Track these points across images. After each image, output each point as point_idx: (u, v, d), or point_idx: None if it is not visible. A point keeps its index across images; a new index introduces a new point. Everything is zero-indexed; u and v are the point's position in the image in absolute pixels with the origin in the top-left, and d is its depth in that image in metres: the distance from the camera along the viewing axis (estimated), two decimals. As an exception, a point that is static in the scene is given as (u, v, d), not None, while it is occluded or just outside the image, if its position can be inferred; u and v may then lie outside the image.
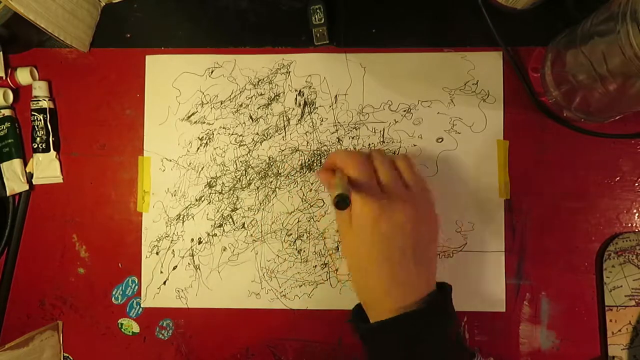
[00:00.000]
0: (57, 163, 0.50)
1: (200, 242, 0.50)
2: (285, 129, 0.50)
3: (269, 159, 0.50)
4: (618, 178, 0.48)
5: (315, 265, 0.49)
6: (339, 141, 0.49)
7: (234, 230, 0.50)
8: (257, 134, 0.50)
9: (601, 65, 0.38)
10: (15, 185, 0.50)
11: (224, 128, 0.50)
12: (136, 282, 0.50)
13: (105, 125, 0.51)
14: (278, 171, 0.50)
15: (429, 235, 0.41)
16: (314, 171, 0.50)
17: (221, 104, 0.50)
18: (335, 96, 0.50)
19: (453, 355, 0.39)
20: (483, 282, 0.48)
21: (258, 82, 0.50)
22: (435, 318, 0.38)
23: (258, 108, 0.50)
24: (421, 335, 0.38)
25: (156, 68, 0.50)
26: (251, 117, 0.50)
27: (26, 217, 0.51)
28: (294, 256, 0.49)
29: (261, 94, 0.50)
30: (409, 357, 0.38)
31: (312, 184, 0.50)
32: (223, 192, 0.50)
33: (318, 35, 0.48)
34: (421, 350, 0.37)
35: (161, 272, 0.50)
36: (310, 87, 0.50)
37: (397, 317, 0.37)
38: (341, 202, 0.35)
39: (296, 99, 0.50)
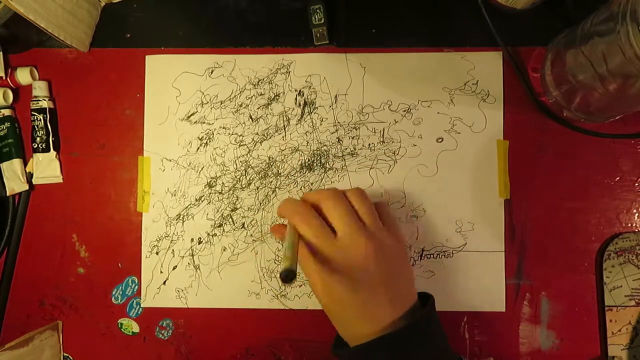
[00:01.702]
0: (57, 163, 0.50)
1: (200, 242, 0.50)
2: (285, 129, 0.50)
3: (269, 159, 0.50)
4: (618, 178, 0.48)
5: (315, 265, 0.49)
6: (339, 141, 0.49)
7: (234, 230, 0.50)
8: (257, 134, 0.50)
9: (601, 65, 0.38)
10: (15, 185, 0.50)
11: (224, 128, 0.50)
12: (136, 282, 0.50)
13: (105, 125, 0.51)
14: (278, 171, 0.50)
15: (397, 262, 0.41)
16: (314, 171, 0.50)
17: (221, 104, 0.50)
18: (335, 96, 0.50)
19: None
20: (483, 282, 0.48)
21: (258, 82, 0.50)
22: (418, 334, 0.38)
23: (258, 108, 0.50)
24: (406, 351, 0.38)
25: (156, 68, 0.51)
26: (251, 117, 0.50)
27: (26, 217, 0.51)
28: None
29: (261, 94, 0.50)
30: None
31: (312, 184, 0.50)
32: (223, 192, 0.50)
33: (318, 35, 0.48)
34: None
35: (161, 272, 0.50)
36: (310, 87, 0.50)
37: (379, 338, 0.37)
38: (287, 279, 0.34)
39: (296, 99, 0.50)
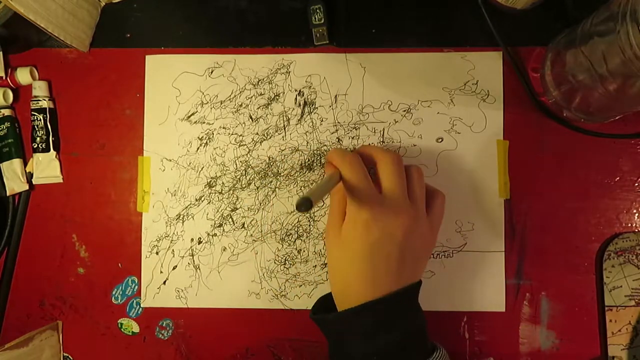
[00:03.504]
0: (57, 163, 0.50)
1: (200, 242, 0.50)
2: (285, 129, 0.50)
3: (269, 159, 0.50)
4: (618, 178, 0.48)
5: (315, 265, 0.49)
6: (338, 141, 0.49)
7: (234, 230, 0.50)
8: (257, 134, 0.50)
9: (601, 65, 0.38)
10: (15, 185, 0.50)
11: (223, 128, 0.50)
12: (136, 282, 0.50)
13: (105, 125, 0.51)
14: (278, 171, 0.50)
15: (420, 251, 0.42)
16: (314, 171, 0.50)
17: (221, 104, 0.50)
18: (335, 96, 0.50)
19: (414, 345, 0.40)
20: (483, 282, 0.48)
21: (258, 82, 0.50)
22: (398, 309, 0.39)
23: (258, 108, 0.50)
24: (383, 324, 0.38)
25: (156, 68, 0.50)
26: (251, 117, 0.50)
27: (26, 217, 0.51)
28: (293, 256, 0.49)
29: (261, 94, 0.50)
30: (370, 344, 0.38)
31: (311, 183, 0.50)
32: (223, 192, 0.50)
33: (318, 35, 0.48)
34: (383, 338, 0.38)
35: (161, 272, 0.50)
36: (310, 87, 0.50)
37: (360, 306, 0.38)
38: (301, 207, 0.33)
39: (296, 99, 0.50)
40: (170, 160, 0.50)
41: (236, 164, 0.50)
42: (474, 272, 0.48)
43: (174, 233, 0.50)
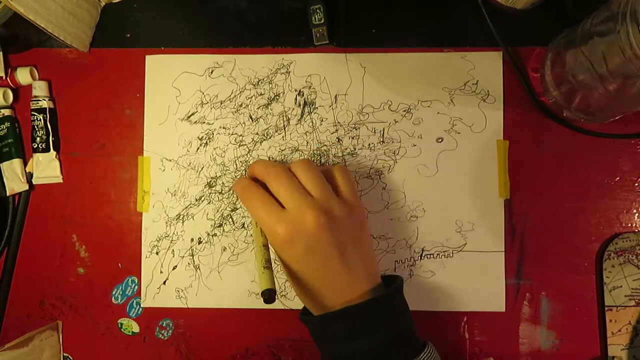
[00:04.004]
0: (57, 163, 0.50)
1: (200, 242, 0.50)
2: (285, 129, 0.50)
3: (269, 159, 0.50)
4: (618, 178, 0.48)
5: (315, 265, 0.49)
6: (338, 141, 0.49)
7: (234, 230, 0.50)
8: (257, 134, 0.50)
9: (601, 65, 0.38)
10: (15, 185, 0.50)
11: (223, 128, 0.50)
12: (136, 282, 0.50)
13: (105, 125, 0.51)
14: (278, 171, 0.50)
15: (352, 231, 0.41)
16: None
17: (221, 104, 0.50)
18: (335, 96, 0.50)
19: (399, 346, 0.39)
20: (483, 282, 0.48)
21: (258, 82, 0.50)
22: (378, 310, 0.39)
23: (258, 108, 0.50)
24: (364, 327, 0.39)
25: (156, 68, 0.50)
26: (251, 117, 0.50)
27: (26, 217, 0.51)
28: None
29: (261, 94, 0.50)
30: (353, 347, 0.39)
31: (312, 184, 0.49)
32: (223, 192, 0.50)
33: (318, 35, 0.48)
34: (364, 341, 0.38)
35: (161, 272, 0.50)
36: (310, 87, 0.50)
37: (339, 310, 0.39)
38: (269, 299, 0.38)
39: (296, 99, 0.50)
40: (170, 160, 0.50)
41: (236, 164, 0.50)
42: (474, 272, 0.48)
43: (174, 233, 0.50)
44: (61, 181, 0.51)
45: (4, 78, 0.50)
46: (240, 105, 0.50)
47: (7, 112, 0.50)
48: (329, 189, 0.42)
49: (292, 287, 0.43)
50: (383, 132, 0.49)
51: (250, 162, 0.50)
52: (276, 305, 0.49)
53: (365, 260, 0.41)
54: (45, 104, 0.50)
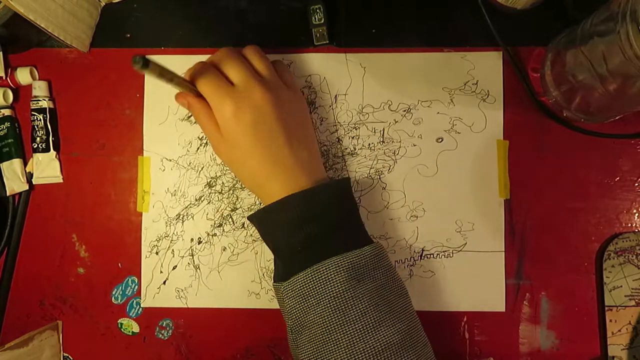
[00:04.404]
0: (57, 163, 0.50)
1: (200, 242, 0.50)
2: (285, 129, 0.50)
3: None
4: (618, 178, 0.48)
5: (315, 265, 0.49)
6: (339, 141, 0.49)
7: (234, 230, 0.50)
8: (257, 134, 0.50)
9: (601, 65, 0.38)
10: (15, 185, 0.50)
11: (223, 128, 0.50)
12: (136, 282, 0.50)
13: (105, 125, 0.51)
14: (278, 171, 0.50)
15: (297, 114, 0.43)
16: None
17: (221, 104, 0.50)
18: (335, 96, 0.50)
19: (348, 234, 0.41)
20: (483, 282, 0.48)
21: (258, 82, 0.50)
22: (327, 198, 0.40)
23: (258, 108, 0.50)
24: (312, 213, 0.40)
25: (156, 68, 0.50)
26: (251, 117, 0.50)
27: (26, 217, 0.51)
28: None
29: (261, 94, 0.50)
30: (293, 235, 0.40)
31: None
32: (223, 192, 0.50)
33: (318, 35, 0.48)
34: (311, 228, 0.39)
35: (161, 272, 0.50)
36: (310, 87, 0.50)
37: (285, 198, 0.40)
38: (138, 62, 0.33)
39: (296, 99, 0.50)
40: (170, 160, 0.50)
41: (236, 164, 0.50)
42: (474, 272, 0.48)
43: (174, 233, 0.50)
44: (61, 181, 0.51)
45: (4, 78, 0.50)
46: (240, 105, 0.50)
47: (7, 112, 0.51)
48: (277, 76, 0.43)
49: (242, 180, 0.44)
50: (383, 132, 0.49)
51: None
52: (276, 305, 0.49)
53: (310, 150, 0.43)
54: (45, 104, 0.50)
